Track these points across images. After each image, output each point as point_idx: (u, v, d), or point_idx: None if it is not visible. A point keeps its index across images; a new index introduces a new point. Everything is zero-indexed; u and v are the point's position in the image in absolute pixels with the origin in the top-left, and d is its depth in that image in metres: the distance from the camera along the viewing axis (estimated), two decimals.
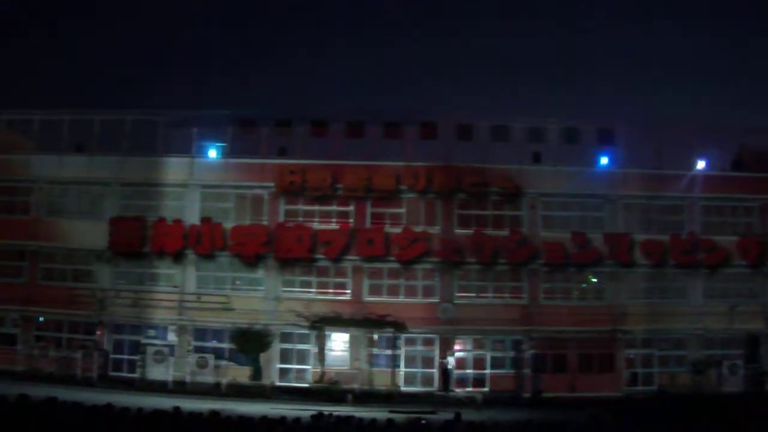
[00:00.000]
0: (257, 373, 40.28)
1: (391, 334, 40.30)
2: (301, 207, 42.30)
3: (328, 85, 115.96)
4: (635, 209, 42.64)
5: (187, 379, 39.50)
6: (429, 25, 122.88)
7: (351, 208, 42.13)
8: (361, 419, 22.67)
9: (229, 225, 41.88)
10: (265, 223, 42.22)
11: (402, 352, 41.03)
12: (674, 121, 42.97)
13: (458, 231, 41.76)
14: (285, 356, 41.52)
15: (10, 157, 43.98)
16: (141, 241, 41.98)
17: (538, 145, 42.85)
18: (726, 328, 41.22)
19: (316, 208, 42.23)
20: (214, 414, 22.12)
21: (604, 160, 43.53)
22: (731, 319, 41.13)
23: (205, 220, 42.00)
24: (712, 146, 43.46)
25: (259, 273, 42.17)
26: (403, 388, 39.94)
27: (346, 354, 41.47)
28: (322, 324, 40.08)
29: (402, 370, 40.91)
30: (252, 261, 41.77)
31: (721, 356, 40.92)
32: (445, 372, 40.26)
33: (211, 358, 40.07)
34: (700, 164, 43.31)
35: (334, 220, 42.08)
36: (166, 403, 27.35)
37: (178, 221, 42.11)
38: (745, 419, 24.46)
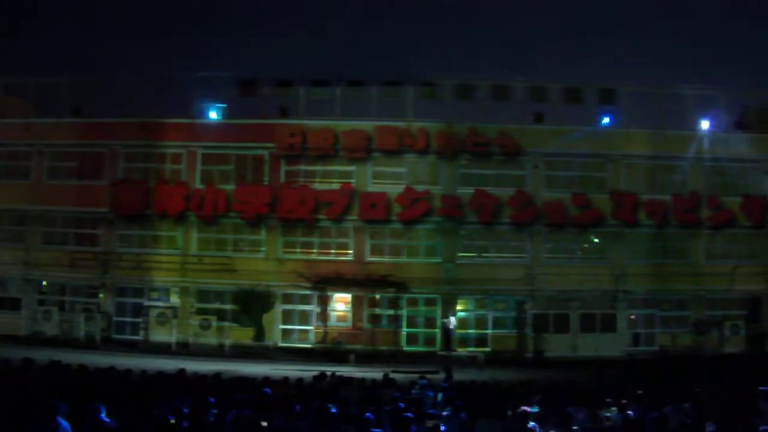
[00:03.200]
0: (260, 334, 40.47)
1: (393, 295, 40.40)
2: (302, 167, 42.11)
3: (330, 45, 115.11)
4: (638, 169, 42.46)
5: (190, 340, 39.70)
6: None
7: (353, 168, 41.97)
8: (363, 379, 22.79)
9: (229, 187, 41.75)
10: (266, 183, 42.08)
11: (404, 312, 41.13)
12: (677, 81, 42.76)
13: (461, 190, 41.62)
14: (287, 317, 41.62)
15: (8, 121, 43.69)
16: (143, 204, 41.90)
17: (540, 105, 42.64)
18: (727, 289, 41.29)
19: (317, 168, 42.06)
20: (217, 375, 22.25)
21: (606, 120, 43.43)
22: (733, 279, 41.15)
23: (208, 183, 41.89)
24: (716, 106, 43.22)
25: (261, 234, 42.11)
26: (406, 348, 40.12)
27: (349, 314, 41.54)
28: (324, 285, 40.17)
29: (404, 330, 41.05)
30: (254, 221, 41.70)
31: (722, 317, 41.10)
32: (447, 332, 40.36)
33: (213, 320, 40.26)
34: (704, 124, 43.10)
35: (335, 180, 41.91)
36: (169, 364, 27.53)
37: (180, 183, 42.03)
38: (746, 379, 24.49)
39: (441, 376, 27.23)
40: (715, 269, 41.42)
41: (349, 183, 41.70)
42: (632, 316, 41.82)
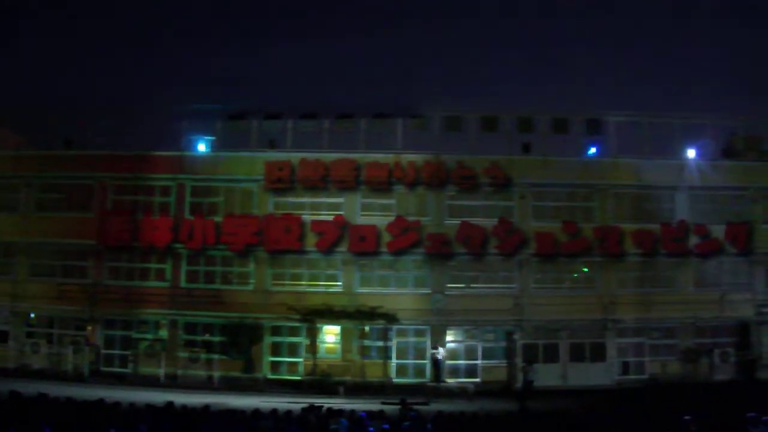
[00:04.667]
0: (249, 367, 40.32)
1: (382, 326, 40.35)
2: (291, 199, 42.13)
3: (318, 78, 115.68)
4: (625, 198, 42.66)
5: (179, 373, 39.54)
6: (418, 14, 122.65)
7: (342, 199, 42.05)
8: (352, 411, 22.73)
9: (218, 219, 41.75)
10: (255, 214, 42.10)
11: (394, 343, 41.07)
12: (664, 110, 43.11)
13: (449, 221, 41.72)
14: (276, 349, 41.47)
15: None
16: (130, 236, 41.81)
17: (527, 136, 42.87)
18: (716, 317, 41.41)
19: (306, 200, 42.12)
20: (206, 408, 22.17)
21: (593, 150, 43.72)
22: (721, 307, 41.31)
23: (197, 215, 41.89)
24: (702, 134, 43.51)
25: (250, 266, 42.06)
26: (395, 380, 39.99)
27: (338, 346, 41.43)
28: (313, 316, 40.10)
29: (394, 361, 40.96)
30: (243, 252, 41.67)
31: (711, 344, 41.18)
32: (436, 363, 40.28)
33: (202, 352, 40.15)
34: (691, 153, 43.39)
35: (324, 212, 41.93)
36: (158, 397, 27.39)
37: (166, 216, 42.04)
38: (737, 407, 24.54)
39: (431, 408, 27.20)
40: (704, 297, 41.61)
41: (341, 215, 41.74)
42: (622, 345, 41.70)
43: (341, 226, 41.41)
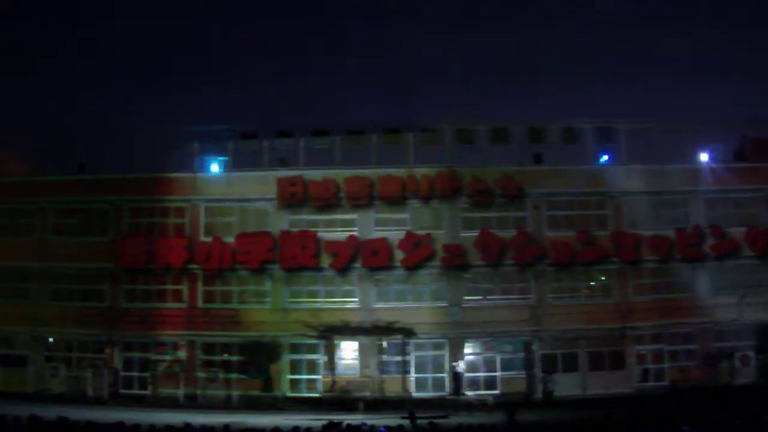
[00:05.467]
0: (268, 385, 40.34)
1: (400, 341, 40.31)
2: (305, 217, 42.22)
3: (328, 94, 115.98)
4: (639, 205, 42.52)
5: (198, 393, 39.61)
6: (426, 28, 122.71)
7: (355, 215, 42.11)
8: (372, 426, 22.71)
9: (232, 239, 41.86)
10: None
11: (412, 357, 41.01)
12: (675, 115, 42.99)
13: (463, 234, 41.71)
14: (295, 367, 41.49)
15: (13, 179, 44.09)
16: (146, 258, 41.95)
17: (538, 146, 42.86)
18: (735, 320, 41.16)
19: (320, 217, 42.19)
20: (226, 427, 22.21)
21: (604, 158, 43.68)
22: (740, 310, 41.07)
23: (214, 237, 41.99)
24: (714, 138, 43.44)
25: (266, 285, 42.13)
26: (415, 394, 39.96)
27: (356, 362, 41.42)
28: (330, 333, 40.15)
29: (413, 375, 40.90)
30: (258, 269, 41.74)
31: (731, 348, 40.88)
32: (455, 376, 40.21)
33: (221, 372, 40.22)
34: (703, 157, 43.29)
35: (338, 229, 42.01)
36: (177, 418, 27.44)
37: (181, 237, 42.19)
38: (760, 410, 24.39)
39: (451, 421, 27.09)
40: (722, 301, 41.28)
41: (354, 233, 41.79)
42: (641, 352, 41.52)
43: (355, 245, 41.44)
